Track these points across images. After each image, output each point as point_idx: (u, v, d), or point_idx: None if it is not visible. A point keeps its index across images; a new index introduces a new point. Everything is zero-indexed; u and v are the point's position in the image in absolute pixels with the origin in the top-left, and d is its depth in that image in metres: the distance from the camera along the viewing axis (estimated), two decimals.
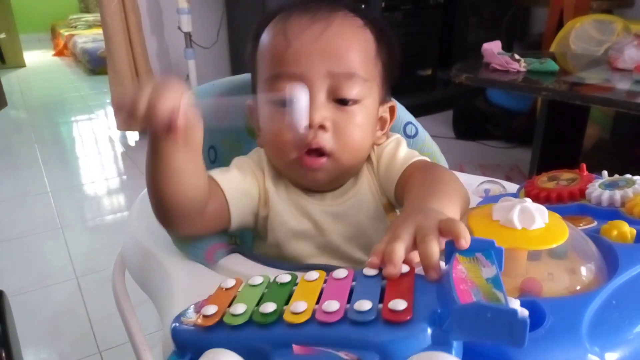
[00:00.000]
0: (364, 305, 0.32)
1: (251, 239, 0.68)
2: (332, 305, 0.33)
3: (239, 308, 0.35)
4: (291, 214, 0.63)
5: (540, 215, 0.43)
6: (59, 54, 5.83)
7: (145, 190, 0.71)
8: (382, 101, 0.65)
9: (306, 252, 0.63)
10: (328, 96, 0.58)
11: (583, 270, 0.43)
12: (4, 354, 0.75)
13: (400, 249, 0.37)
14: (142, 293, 0.65)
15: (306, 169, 0.60)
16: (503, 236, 0.42)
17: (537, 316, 0.36)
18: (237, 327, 0.34)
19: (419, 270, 0.37)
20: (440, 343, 0.30)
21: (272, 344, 0.32)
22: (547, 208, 0.45)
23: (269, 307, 0.34)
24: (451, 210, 0.49)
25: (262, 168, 0.64)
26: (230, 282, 0.40)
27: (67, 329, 1.41)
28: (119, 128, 2.83)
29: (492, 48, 1.75)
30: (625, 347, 0.36)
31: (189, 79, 2.66)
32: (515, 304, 0.36)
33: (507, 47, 2.03)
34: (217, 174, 0.61)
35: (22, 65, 5.18)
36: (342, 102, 0.59)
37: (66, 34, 5.69)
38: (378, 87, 0.63)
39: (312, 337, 0.32)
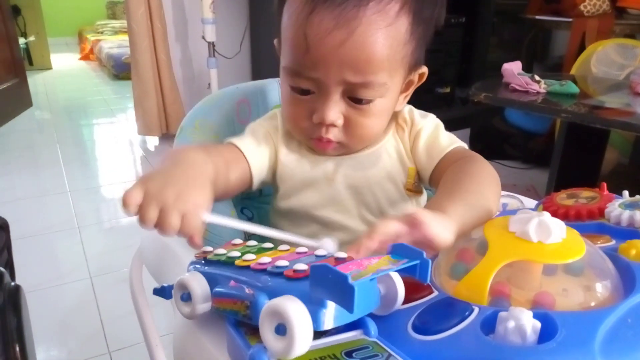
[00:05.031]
0: (282, 263, 0.41)
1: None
2: (264, 260, 0.43)
3: (220, 251, 0.48)
4: (300, 165, 0.65)
5: (557, 230, 0.43)
6: (85, 58, 5.96)
7: None
8: (413, 68, 0.62)
9: (311, 202, 0.65)
10: (342, 95, 0.58)
11: (598, 287, 0.42)
12: (17, 348, 0.76)
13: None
14: (156, 297, 0.66)
15: (317, 147, 0.64)
16: (518, 248, 0.42)
17: (550, 329, 0.36)
18: (210, 262, 0.47)
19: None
20: (314, 303, 0.35)
21: (225, 278, 0.43)
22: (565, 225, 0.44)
23: (234, 254, 0.46)
24: (456, 211, 0.49)
25: (277, 127, 0.67)
26: (238, 241, 0.52)
27: (78, 328, 1.42)
28: (139, 132, 2.88)
29: (513, 68, 1.74)
30: None
31: (210, 87, 2.70)
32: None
33: (528, 68, 2.03)
34: (237, 140, 0.65)
35: (48, 67, 5.31)
36: (357, 100, 0.58)
37: (93, 39, 5.83)
38: (405, 69, 0.60)
39: (242, 277, 0.42)
